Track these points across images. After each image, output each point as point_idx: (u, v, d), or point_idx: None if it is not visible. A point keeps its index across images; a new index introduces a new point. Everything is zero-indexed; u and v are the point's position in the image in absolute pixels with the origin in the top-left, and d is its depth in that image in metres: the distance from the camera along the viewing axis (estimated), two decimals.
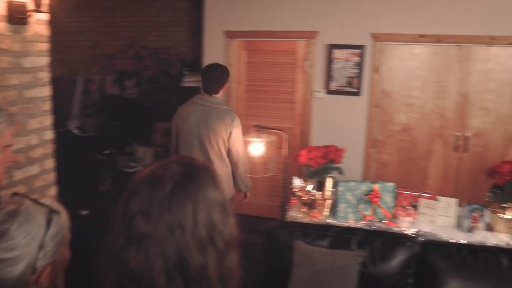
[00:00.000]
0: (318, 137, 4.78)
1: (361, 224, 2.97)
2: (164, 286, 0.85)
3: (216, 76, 3.32)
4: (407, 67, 4.60)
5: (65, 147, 4.49)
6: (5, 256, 1.04)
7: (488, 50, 4.39)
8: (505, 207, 2.83)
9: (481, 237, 2.82)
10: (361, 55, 4.64)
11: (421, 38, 4.48)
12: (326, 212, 3.07)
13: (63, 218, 1.14)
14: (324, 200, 3.05)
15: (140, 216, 0.87)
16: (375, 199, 2.97)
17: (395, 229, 2.90)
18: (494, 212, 2.88)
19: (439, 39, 4.44)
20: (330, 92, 4.79)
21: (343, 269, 2.46)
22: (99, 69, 6.59)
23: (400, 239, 2.58)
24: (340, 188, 2.99)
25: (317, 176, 3.15)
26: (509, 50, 4.34)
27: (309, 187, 3.07)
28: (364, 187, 3.00)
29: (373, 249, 2.53)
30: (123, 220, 0.89)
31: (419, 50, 4.56)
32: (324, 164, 3.10)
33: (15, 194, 1.17)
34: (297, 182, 3.12)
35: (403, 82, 4.63)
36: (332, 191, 3.10)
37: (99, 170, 5.67)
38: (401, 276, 2.50)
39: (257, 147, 2.86)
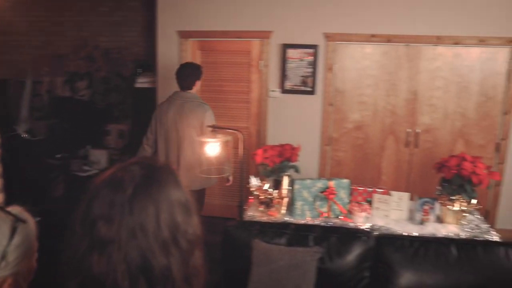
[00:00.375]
0: (275, 136, 4.82)
1: (318, 221, 3.02)
2: None
3: (188, 74, 3.65)
4: (359, 66, 4.71)
5: (14, 151, 4.31)
6: None
7: (435, 49, 4.56)
8: (453, 199, 2.95)
9: (432, 229, 2.92)
10: (314, 55, 4.71)
11: (372, 38, 4.60)
12: (283, 210, 3.10)
13: (29, 228, 1.08)
14: (281, 198, 3.08)
15: (101, 220, 0.86)
16: (331, 196, 3.02)
17: (351, 224, 2.97)
18: (444, 205, 2.99)
19: (389, 39, 4.58)
20: (285, 91, 4.83)
21: (301, 266, 2.49)
22: (49, 70, 6.36)
23: (356, 234, 2.63)
24: (296, 186, 3.03)
25: (274, 175, 3.17)
26: (454, 49, 4.53)
27: (266, 186, 3.09)
28: (320, 184, 3.05)
29: (329, 245, 2.57)
30: (84, 225, 0.88)
31: (370, 50, 4.68)
32: (280, 163, 3.12)
33: None
34: (254, 181, 3.13)
35: (356, 81, 4.74)
36: (289, 189, 3.13)
37: (51, 174, 5.48)
38: (357, 270, 2.56)
39: (213, 148, 2.85)
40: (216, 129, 2.95)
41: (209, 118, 3.53)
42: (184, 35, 4.96)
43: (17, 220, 1.05)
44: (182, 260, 0.90)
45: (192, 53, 5.01)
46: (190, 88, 3.66)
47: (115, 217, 0.86)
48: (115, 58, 6.15)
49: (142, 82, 5.47)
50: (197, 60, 5.01)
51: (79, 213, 0.90)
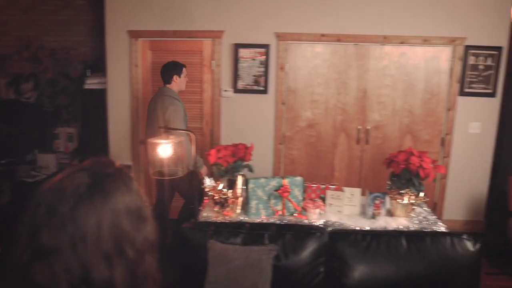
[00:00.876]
0: (228, 136, 4.81)
1: (272, 219, 3.04)
2: None
3: (165, 71, 3.99)
4: (310, 65, 4.78)
5: None
6: None
7: (382, 48, 4.70)
8: (402, 193, 3.05)
9: (383, 222, 3.01)
10: (266, 54, 4.74)
11: (322, 37, 4.69)
12: (238, 210, 3.10)
13: None
14: (236, 198, 3.08)
15: (44, 229, 0.84)
16: (285, 194, 3.05)
17: (305, 221, 3.01)
18: (394, 199, 3.08)
19: (338, 38, 4.67)
20: (237, 91, 4.84)
21: (257, 265, 2.50)
22: None
23: (310, 230, 2.67)
24: (250, 185, 3.03)
25: (228, 175, 3.16)
26: (401, 48, 4.69)
27: (220, 186, 3.08)
28: (274, 182, 3.07)
29: (285, 242, 2.59)
30: (28, 233, 0.86)
31: (321, 49, 4.76)
32: (234, 163, 3.12)
33: None
34: (208, 181, 3.11)
35: (307, 80, 4.81)
36: (243, 188, 3.14)
37: None
38: (312, 265, 2.60)
39: (165, 149, 2.81)
40: (168, 130, 2.91)
41: (171, 114, 3.73)
42: (134, 34, 4.86)
43: None
44: (129, 269, 0.89)
45: (142, 53, 4.92)
46: (169, 83, 3.96)
47: (57, 226, 0.85)
48: (62, 59, 5.95)
49: (91, 84, 5.31)
50: (148, 61, 4.93)
51: (25, 220, 0.88)
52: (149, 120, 4.02)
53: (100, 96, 5.15)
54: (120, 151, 5.11)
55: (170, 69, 3.98)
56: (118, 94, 5.01)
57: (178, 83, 3.99)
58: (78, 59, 5.91)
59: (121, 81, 4.98)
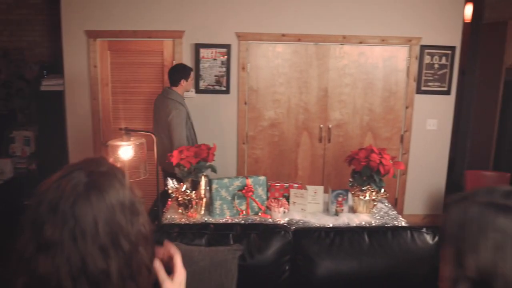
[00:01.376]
0: None
1: (237, 219, 3.04)
2: None
3: (173, 73, 4.04)
4: (272, 65, 4.81)
5: None
6: None
7: (342, 48, 4.78)
8: (364, 190, 3.11)
9: (346, 219, 3.06)
10: (227, 54, 4.74)
11: (283, 37, 4.72)
12: (202, 211, 3.08)
13: None
14: (200, 199, 3.06)
15: (47, 225, 0.93)
16: (249, 194, 3.05)
17: (270, 220, 3.02)
18: (355, 195, 3.14)
19: (299, 38, 4.72)
20: (199, 91, 4.81)
21: (222, 265, 2.49)
22: None
23: (274, 229, 2.68)
24: (214, 186, 3.02)
25: (191, 176, 3.14)
26: (359, 48, 4.78)
27: (184, 188, 3.05)
28: (238, 182, 3.07)
29: (250, 242, 2.59)
30: (32, 228, 0.95)
31: (282, 49, 4.79)
32: (197, 164, 3.10)
33: None
34: (171, 183, 3.07)
35: (269, 79, 4.83)
36: (207, 189, 3.12)
37: None
38: (278, 264, 2.61)
39: (126, 151, 2.76)
40: (129, 132, 2.85)
41: (172, 118, 3.85)
42: (92, 34, 4.75)
43: None
44: (123, 261, 0.97)
45: (101, 54, 4.81)
46: (175, 85, 4.02)
47: (58, 222, 0.93)
48: (16, 60, 5.74)
49: (48, 85, 5.15)
50: (107, 61, 4.83)
51: (29, 215, 0.96)
52: (154, 119, 4.17)
53: (57, 98, 5.00)
54: (80, 154, 4.98)
55: (179, 72, 4.03)
56: (76, 96, 4.89)
57: (184, 86, 4.07)
58: (33, 60, 5.72)
59: (80, 82, 4.85)
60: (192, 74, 4.14)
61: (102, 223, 0.95)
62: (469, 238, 1.00)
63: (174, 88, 4.02)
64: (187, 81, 4.06)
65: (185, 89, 4.12)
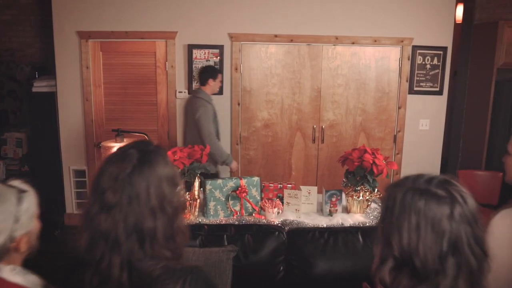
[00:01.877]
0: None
1: (231, 220, 3.03)
2: (125, 242, 1.17)
3: (202, 73, 4.36)
4: (265, 65, 4.81)
5: None
6: None
7: (334, 49, 4.79)
8: (357, 190, 3.12)
9: (340, 219, 3.06)
10: (220, 55, 4.73)
11: (276, 38, 4.73)
12: (196, 212, 3.08)
13: (31, 195, 1.44)
14: (194, 200, 3.05)
15: (108, 190, 1.18)
16: (242, 194, 3.05)
17: (264, 221, 3.01)
18: (349, 196, 3.14)
19: (291, 39, 4.73)
20: (192, 92, 4.79)
21: (217, 266, 2.48)
22: None
23: (269, 230, 2.67)
24: (208, 187, 3.01)
25: (185, 177, 3.13)
26: (352, 48, 4.80)
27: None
28: (232, 183, 3.07)
29: (244, 243, 2.59)
30: (96, 193, 1.20)
31: (274, 49, 4.80)
32: (190, 165, 3.09)
33: None
34: None
35: (262, 80, 4.83)
36: (201, 190, 3.11)
37: None
38: (272, 264, 2.61)
39: None
40: (122, 133, 2.84)
41: (200, 116, 4.09)
42: (84, 35, 4.72)
43: (20, 190, 1.41)
44: (167, 223, 1.21)
45: (93, 55, 4.79)
46: (203, 85, 4.31)
47: (118, 188, 1.18)
48: (7, 61, 5.70)
49: (40, 87, 5.11)
50: (99, 62, 4.81)
51: (93, 183, 1.23)
52: (184, 119, 4.54)
53: (49, 100, 4.96)
54: (73, 155, 4.95)
55: (208, 72, 4.32)
56: (69, 97, 4.86)
57: (212, 86, 4.31)
58: (25, 61, 5.69)
59: (72, 83, 4.82)
60: (220, 76, 4.38)
61: (153, 190, 1.19)
62: (394, 220, 1.10)
63: (203, 88, 4.29)
64: (214, 81, 4.29)
65: (213, 89, 4.34)
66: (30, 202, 1.42)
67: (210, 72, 4.32)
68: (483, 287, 1.08)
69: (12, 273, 1.41)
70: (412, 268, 1.08)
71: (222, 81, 4.52)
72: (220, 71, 4.43)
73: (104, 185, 1.18)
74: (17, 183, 1.44)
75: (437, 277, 1.06)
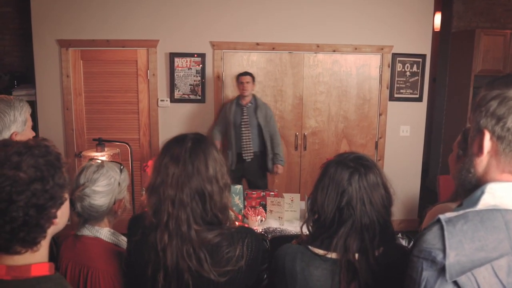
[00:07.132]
0: None
1: None
2: (189, 203, 1.39)
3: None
4: None
5: None
6: (104, 189, 1.68)
7: (316, 56, 4.83)
8: None
9: None
10: (202, 63, 4.73)
11: (257, 46, 4.75)
12: None
13: (126, 171, 1.81)
14: None
15: (172, 163, 1.41)
16: None
17: None
18: None
19: (273, 47, 4.75)
20: (174, 100, 4.79)
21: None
22: None
23: None
24: None
25: None
26: (333, 56, 4.84)
27: None
28: None
29: None
30: (160, 167, 1.42)
31: (256, 57, 4.81)
32: None
33: (91, 159, 1.89)
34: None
35: None
36: None
37: None
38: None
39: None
40: (103, 142, 2.81)
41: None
42: (64, 44, 4.67)
43: (120, 164, 1.80)
44: (220, 191, 1.43)
45: (73, 63, 4.74)
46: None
47: (180, 160, 1.41)
48: None
49: (19, 96, 5.03)
50: (80, 71, 4.76)
51: (158, 160, 1.45)
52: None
53: (31, 107, 4.88)
54: None
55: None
56: (49, 106, 4.79)
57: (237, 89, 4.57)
58: (3, 69, 5.60)
59: (52, 92, 4.76)
60: (241, 78, 4.38)
61: (210, 164, 1.42)
62: (317, 183, 1.50)
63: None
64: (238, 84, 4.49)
65: (239, 91, 4.49)
66: (126, 174, 1.80)
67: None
68: (366, 241, 1.38)
69: (108, 234, 1.70)
70: (322, 219, 1.43)
71: (242, 83, 4.41)
72: (240, 74, 4.44)
73: (166, 160, 1.41)
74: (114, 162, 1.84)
75: (337, 227, 1.39)
